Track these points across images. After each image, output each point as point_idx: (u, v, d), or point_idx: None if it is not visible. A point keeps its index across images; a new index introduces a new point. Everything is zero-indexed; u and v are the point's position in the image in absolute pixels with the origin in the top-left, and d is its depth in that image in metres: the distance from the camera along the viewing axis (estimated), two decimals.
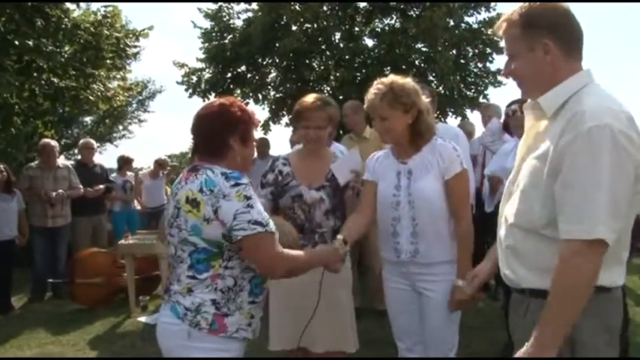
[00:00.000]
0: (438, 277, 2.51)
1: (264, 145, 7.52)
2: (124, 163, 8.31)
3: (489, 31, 10.78)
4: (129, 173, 8.37)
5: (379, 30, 11.62)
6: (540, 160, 1.64)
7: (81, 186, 6.47)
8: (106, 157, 26.88)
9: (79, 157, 7.42)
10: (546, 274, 1.62)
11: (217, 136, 2.03)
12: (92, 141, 7.42)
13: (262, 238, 1.92)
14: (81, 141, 7.46)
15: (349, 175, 2.71)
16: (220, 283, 1.96)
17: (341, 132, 6.32)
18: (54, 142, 6.60)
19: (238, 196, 1.89)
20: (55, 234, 6.31)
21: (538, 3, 1.68)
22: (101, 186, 6.72)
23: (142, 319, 5.37)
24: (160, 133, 58.22)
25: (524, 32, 1.67)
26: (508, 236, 1.77)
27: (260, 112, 13.01)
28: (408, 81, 2.52)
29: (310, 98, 2.80)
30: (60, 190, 6.21)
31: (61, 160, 6.76)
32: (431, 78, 11.06)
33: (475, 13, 11.30)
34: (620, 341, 2.56)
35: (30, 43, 7.45)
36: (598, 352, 1.63)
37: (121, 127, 24.58)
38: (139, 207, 8.46)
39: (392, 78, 2.51)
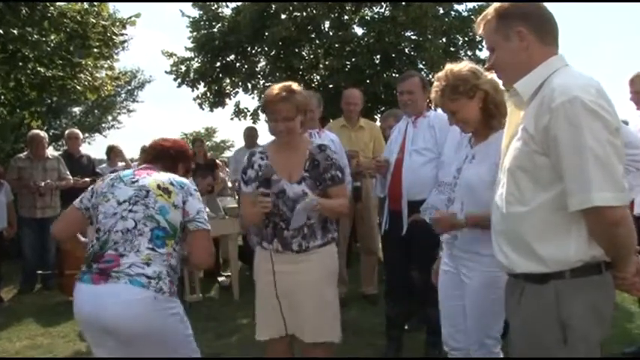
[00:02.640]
0: (476, 266, 2.43)
1: (252, 134, 7.47)
2: (111, 152, 8.24)
3: (479, 19, 10.77)
4: (120, 164, 8.29)
5: (368, 18, 11.59)
6: (524, 142, 1.70)
7: (70, 177, 6.41)
8: (95, 147, 26.71)
9: (66, 147, 7.36)
10: (539, 257, 1.68)
11: (175, 159, 2.63)
12: (77, 131, 7.32)
13: (208, 234, 2.43)
14: (66, 131, 7.36)
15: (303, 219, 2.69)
16: (171, 260, 2.32)
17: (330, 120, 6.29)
18: (43, 133, 6.52)
19: (198, 198, 2.45)
20: (44, 225, 6.23)
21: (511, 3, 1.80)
22: (87, 179, 6.66)
23: None
24: (149, 123, 57.87)
25: (499, 23, 1.79)
26: (500, 222, 1.80)
27: (250, 101, 12.92)
28: (463, 66, 2.46)
29: (275, 89, 2.69)
30: (48, 180, 6.16)
31: (50, 151, 6.68)
32: (421, 66, 11.07)
33: (465, 1, 11.31)
34: None
35: (14, 31, 7.31)
36: (589, 333, 1.67)
37: (110, 118, 24.42)
38: None
39: (446, 69, 2.45)
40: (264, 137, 7.15)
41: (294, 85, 2.74)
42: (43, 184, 6.09)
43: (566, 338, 1.65)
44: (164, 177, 2.41)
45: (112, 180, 2.43)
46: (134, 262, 2.19)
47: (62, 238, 2.63)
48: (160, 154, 2.61)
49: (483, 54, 11.32)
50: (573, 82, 1.62)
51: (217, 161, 8.91)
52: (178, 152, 2.65)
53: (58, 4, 8.14)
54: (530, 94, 1.73)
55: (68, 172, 6.43)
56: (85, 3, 8.64)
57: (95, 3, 8.66)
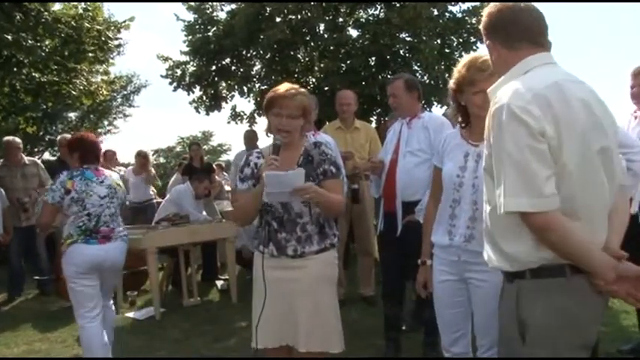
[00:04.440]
0: (489, 268, 2.24)
1: (251, 137, 7.48)
2: (104, 156, 8.19)
3: (473, 20, 10.82)
4: (114, 169, 8.27)
5: (363, 20, 11.61)
6: (486, 147, 1.76)
7: (51, 181, 6.33)
8: None
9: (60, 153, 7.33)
10: (506, 255, 1.73)
11: (99, 151, 3.89)
12: (69, 136, 7.30)
13: None
14: (58, 137, 7.29)
15: (281, 196, 2.55)
16: None
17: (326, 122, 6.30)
18: (17, 139, 6.43)
19: None
20: (31, 232, 6.12)
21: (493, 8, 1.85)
22: None
23: (130, 314, 5.35)
24: (145, 127, 57.78)
25: (484, 36, 1.90)
26: (484, 221, 1.86)
27: (246, 104, 12.89)
28: None
29: (284, 87, 2.70)
30: (33, 194, 6.10)
31: (49, 156, 6.65)
32: (415, 67, 11.08)
33: (459, 2, 11.32)
34: None
35: (9, 37, 7.31)
36: (551, 335, 1.66)
37: (106, 123, 24.32)
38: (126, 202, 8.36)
39: None
40: (264, 140, 7.13)
41: (303, 89, 2.76)
42: (27, 199, 6.03)
43: (524, 336, 1.67)
44: (114, 176, 3.89)
45: (82, 180, 3.65)
46: (120, 230, 3.80)
47: (48, 227, 4.22)
48: (95, 152, 3.82)
49: None
50: (514, 87, 1.64)
51: (214, 165, 8.91)
52: (96, 147, 3.84)
53: (52, 9, 8.15)
54: None
55: (49, 177, 6.37)
56: (79, 8, 8.65)
57: (89, 8, 8.67)
